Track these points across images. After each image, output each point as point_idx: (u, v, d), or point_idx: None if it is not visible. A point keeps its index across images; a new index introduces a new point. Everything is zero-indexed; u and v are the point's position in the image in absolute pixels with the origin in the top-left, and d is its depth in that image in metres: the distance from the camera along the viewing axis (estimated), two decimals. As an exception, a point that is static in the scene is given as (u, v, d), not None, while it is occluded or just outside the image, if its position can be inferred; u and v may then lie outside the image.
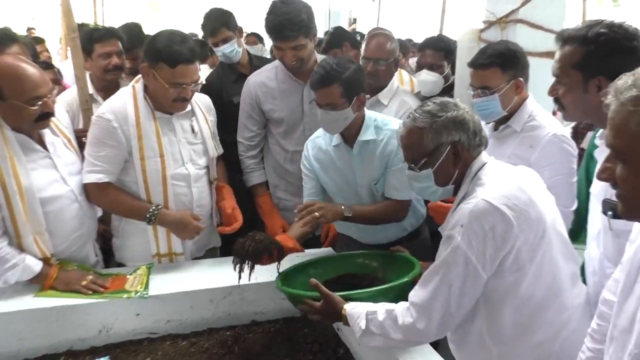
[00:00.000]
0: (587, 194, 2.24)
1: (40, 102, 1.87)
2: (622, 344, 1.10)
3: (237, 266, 1.86)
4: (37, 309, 1.84)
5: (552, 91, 1.61)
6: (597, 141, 1.58)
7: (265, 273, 2.08)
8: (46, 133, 2.03)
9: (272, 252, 1.90)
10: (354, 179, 2.21)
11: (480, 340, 1.56)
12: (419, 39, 4.83)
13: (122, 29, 3.06)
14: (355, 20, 10.88)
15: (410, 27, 5.87)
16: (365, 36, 2.97)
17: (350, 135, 2.15)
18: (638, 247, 1.14)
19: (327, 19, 8.73)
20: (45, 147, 2.01)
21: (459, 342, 1.65)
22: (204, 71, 3.97)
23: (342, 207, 2.11)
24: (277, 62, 2.60)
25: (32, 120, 1.89)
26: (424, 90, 2.84)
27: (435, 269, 1.48)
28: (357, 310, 1.58)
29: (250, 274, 1.86)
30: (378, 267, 2.01)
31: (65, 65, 4.10)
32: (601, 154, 1.55)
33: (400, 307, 1.54)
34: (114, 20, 6.37)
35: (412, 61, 4.17)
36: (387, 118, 2.22)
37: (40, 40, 5.81)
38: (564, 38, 1.52)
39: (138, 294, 1.94)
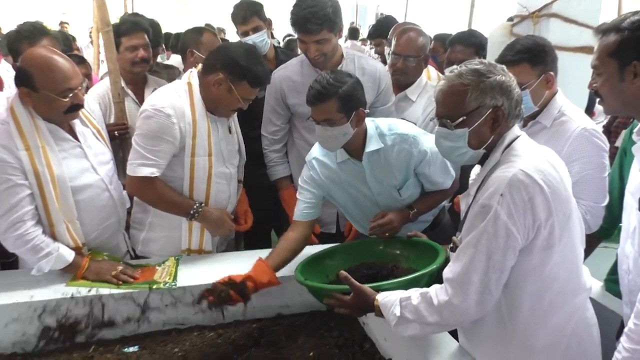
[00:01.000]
0: (620, 192, 2.20)
1: (71, 94, 1.90)
2: None
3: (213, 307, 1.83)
4: (70, 298, 1.87)
5: (592, 84, 1.58)
6: (635, 137, 1.54)
7: (290, 266, 2.09)
8: (76, 123, 2.07)
9: (244, 294, 1.83)
10: (369, 190, 2.16)
11: (498, 314, 1.50)
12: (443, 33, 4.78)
13: None
14: (382, 14, 10.83)
15: (439, 22, 5.80)
16: (395, 31, 2.94)
17: (355, 150, 2.08)
18: None
19: (354, 13, 8.69)
20: (76, 137, 2.05)
21: (476, 321, 1.58)
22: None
23: (410, 212, 2.11)
24: (302, 57, 2.60)
25: (62, 112, 1.93)
26: None
27: (471, 241, 1.41)
28: (389, 299, 1.53)
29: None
30: (399, 255, 1.98)
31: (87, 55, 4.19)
32: (639, 150, 1.52)
33: (434, 288, 1.48)
34: (144, 13, 6.44)
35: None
36: (389, 122, 2.15)
37: (70, 38, 5.91)
38: (602, 30, 1.49)
39: (167, 285, 1.97)
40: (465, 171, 2.04)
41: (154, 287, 1.96)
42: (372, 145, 2.06)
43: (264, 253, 2.30)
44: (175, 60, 3.89)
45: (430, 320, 1.45)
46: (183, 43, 2.96)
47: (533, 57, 2.03)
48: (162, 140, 2.08)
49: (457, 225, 2.37)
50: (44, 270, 1.94)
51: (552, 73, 2.04)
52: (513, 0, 2.71)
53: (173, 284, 1.98)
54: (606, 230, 2.10)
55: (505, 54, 2.08)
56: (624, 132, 3.09)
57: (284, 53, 3.07)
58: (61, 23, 10.06)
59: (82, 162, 2.04)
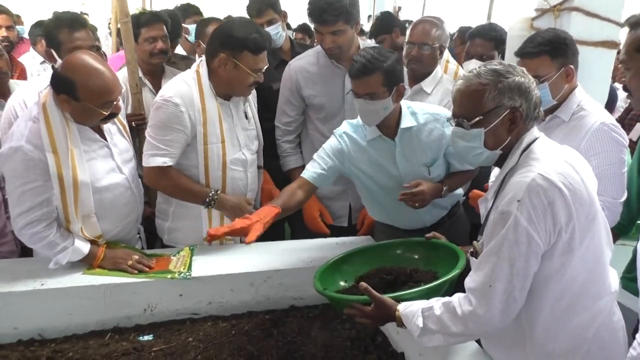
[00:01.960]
0: (639, 188, 2.17)
1: (112, 106, 1.91)
2: None
3: None
4: (86, 286, 1.91)
5: (621, 78, 1.55)
6: None
7: (304, 258, 2.10)
8: None
9: None
10: (396, 170, 2.17)
11: (516, 321, 1.47)
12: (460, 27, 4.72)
13: None
14: (400, 8, 10.73)
15: (458, 15, 5.74)
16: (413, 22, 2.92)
17: (389, 127, 2.11)
18: None
19: (371, 6, 8.63)
20: (103, 136, 2.06)
21: None
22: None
23: (443, 187, 2.12)
24: (318, 48, 2.59)
25: (99, 120, 1.94)
26: None
27: (493, 249, 1.39)
28: (411, 310, 1.49)
29: None
30: (418, 258, 1.93)
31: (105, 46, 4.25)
32: None
33: (457, 297, 1.45)
34: (162, 5, 6.46)
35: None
36: (420, 104, 2.21)
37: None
38: (631, 23, 1.46)
39: (181, 275, 1.99)
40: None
41: (169, 276, 1.98)
42: (406, 122, 2.09)
43: (277, 245, 2.33)
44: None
45: (454, 331, 1.42)
46: (195, 35, 2.97)
47: (553, 49, 2.00)
48: (172, 129, 2.10)
49: (471, 218, 2.36)
50: (61, 263, 1.96)
51: (572, 67, 2.01)
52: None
53: (188, 274, 2.00)
54: (624, 226, 2.08)
55: (525, 46, 2.06)
56: (639, 125, 3.04)
57: (299, 45, 3.07)
58: (81, 14, 10.11)
59: (109, 163, 2.06)
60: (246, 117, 2.30)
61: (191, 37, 3.51)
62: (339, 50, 2.44)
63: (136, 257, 2.04)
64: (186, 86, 2.14)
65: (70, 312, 1.90)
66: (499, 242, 1.38)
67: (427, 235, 1.91)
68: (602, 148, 1.93)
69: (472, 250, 1.55)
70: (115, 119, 2.12)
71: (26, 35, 4.84)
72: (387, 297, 1.55)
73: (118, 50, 4.20)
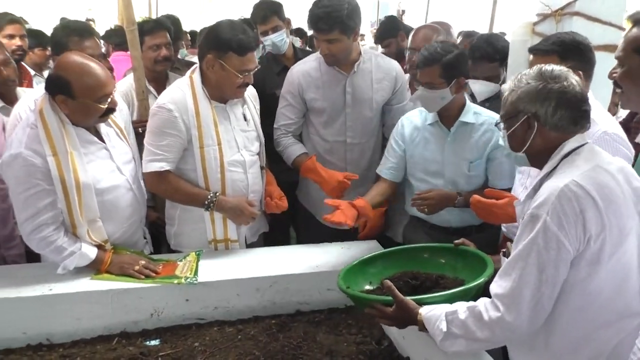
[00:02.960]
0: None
1: (108, 100, 1.95)
2: None
3: None
4: (93, 292, 1.93)
5: (612, 73, 1.55)
6: None
7: (310, 263, 2.12)
8: (101, 125, 2.11)
9: None
10: (441, 158, 2.30)
11: None
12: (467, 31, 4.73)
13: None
14: (404, 11, 10.77)
15: (461, 20, 5.75)
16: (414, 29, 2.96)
17: (448, 117, 2.28)
18: None
19: (375, 10, 8.67)
20: (101, 139, 2.09)
21: None
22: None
23: (457, 197, 2.22)
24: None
25: (97, 116, 1.98)
26: (479, 97, 2.74)
27: (521, 255, 1.36)
28: (434, 313, 1.47)
29: None
30: (445, 264, 1.90)
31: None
32: None
33: (482, 303, 1.42)
34: (168, 9, 6.52)
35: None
36: (482, 108, 2.34)
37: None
38: (636, 19, 1.46)
39: (188, 280, 2.01)
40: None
41: (175, 281, 2.00)
42: (466, 117, 2.26)
43: (283, 250, 2.35)
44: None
45: (479, 336, 1.39)
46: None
47: (564, 50, 1.96)
48: (166, 134, 2.14)
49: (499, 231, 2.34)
50: (69, 268, 1.99)
51: (581, 72, 1.97)
52: (535, -2, 2.67)
53: (194, 279, 2.01)
54: None
55: (539, 43, 2.06)
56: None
57: (302, 52, 3.09)
58: (87, 20, 10.19)
59: (108, 164, 2.09)
60: (245, 118, 2.31)
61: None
62: (334, 57, 2.47)
63: (143, 262, 2.06)
64: (180, 92, 2.18)
65: (78, 317, 1.92)
66: (527, 247, 1.36)
67: (456, 241, 1.89)
68: None
69: (504, 250, 1.55)
70: (112, 123, 2.15)
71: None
72: (409, 299, 1.54)
73: (109, 55, 4.24)
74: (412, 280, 1.80)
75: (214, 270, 2.10)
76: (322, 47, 2.45)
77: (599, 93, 2.10)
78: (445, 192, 2.24)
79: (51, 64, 2.43)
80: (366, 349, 1.85)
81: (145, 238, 2.37)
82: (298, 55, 3.00)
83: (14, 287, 1.91)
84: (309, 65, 2.61)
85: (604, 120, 1.96)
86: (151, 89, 2.86)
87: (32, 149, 1.89)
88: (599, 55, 2.37)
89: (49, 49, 3.36)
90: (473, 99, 2.67)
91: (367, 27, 9.10)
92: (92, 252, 2.01)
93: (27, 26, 6.68)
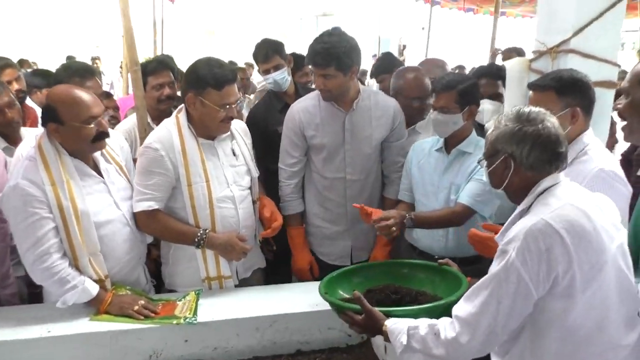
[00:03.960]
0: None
1: (95, 122, 1.99)
2: None
3: None
4: (92, 333, 1.92)
5: (617, 105, 1.59)
6: None
7: (310, 302, 2.10)
8: (100, 160, 2.14)
9: None
10: (438, 182, 2.41)
11: (520, 359, 1.52)
12: (468, 66, 4.81)
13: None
14: (405, 46, 10.94)
15: (460, 55, 5.83)
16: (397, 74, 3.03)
17: (451, 144, 2.39)
18: None
19: (377, 45, 8.81)
20: (99, 173, 2.12)
21: (501, 356, 1.60)
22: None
23: (407, 217, 2.30)
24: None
25: (89, 141, 2.01)
26: (485, 118, 2.81)
27: (484, 283, 1.46)
28: (398, 326, 1.57)
29: None
30: (424, 279, 1.99)
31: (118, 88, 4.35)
32: None
33: (443, 322, 1.52)
34: (172, 48, 6.65)
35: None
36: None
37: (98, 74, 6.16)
38: None
39: (187, 320, 2.00)
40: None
41: (174, 322, 1.98)
42: (466, 147, 2.37)
43: (282, 288, 2.34)
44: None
45: (435, 353, 1.49)
46: None
47: (561, 87, 1.99)
48: (153, 173, 2.16)
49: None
50: (68, 303, 1.98)
51: (578, 109, 1.99)
52: (532, 36, 2.71)
53: (193, 319, 2.00)
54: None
55: (538, 80, 2.10)
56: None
57: (304, 89, 3.13)
58: (93, 59, 10.40)
59: (105, 198, 2.11)
60: (234, 153, 2.33)
61: None
62: (329, 93, 2.50)
63: (142, 302, 2.05)
64: (166, 131, 2.21)
65: (77, 359, 1.90)
66: (490, 278, 1.45)
67: (440, 261, 1.98)
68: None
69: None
70: (112, 160, 2.18)
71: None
72: (377, 310, 1.65)
73: (128, 93, 4.32)
74: (392, 294, 1.90)
75: (214, 309, 2.09)
76: (318, 82, 2.49)
77: (595, 127, 2.11)
78: (399, 215, 2.29)
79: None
80: (367, 390, 1.82)
81: (146, 278, 2.37)
82: (299, 92, 3.04)
83: (12, 329, 1.91)
84: (308, 103, 2.65)
85: (601, 157, 1.96)
86: (154, 126, 2.88)
87: (28, 179, 1.93)
88: (595, 92, 2.40)
89: None
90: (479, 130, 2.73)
91: (370, 61, 9.22)
92: (94, 289, 2.01)
93: (34, 66, 6.83)
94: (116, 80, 9.31)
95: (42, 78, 3.64)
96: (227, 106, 2.18)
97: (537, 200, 1.51)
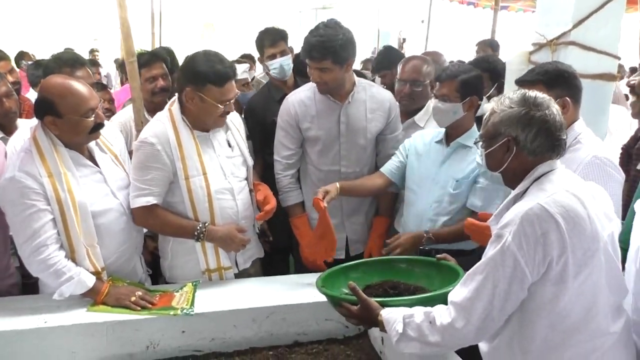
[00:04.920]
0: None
1: (93, 114, 1.98)
2: None
3: None
4: (89, 324, 1.91)
5: (631, 81, 1.59)
6: None
7: (307, 293, 2.10)
8: (95, 150, 2.14)
9: None
10: (434, 176, 2.37)
11: (509, 345, 1.53)
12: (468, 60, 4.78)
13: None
14: (404, 40, 10.90)
15: (460, 48, 5.82)
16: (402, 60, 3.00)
17: (452, 135, 2.37)
18: None
19: (376, 39, 8.78)
20: (95, 163, 2.11)
21: (489, 341, 1.60)
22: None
23: (424, 237, 2.28)
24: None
25: (87, 132, 2.00)
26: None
27: (479, 268, 1.46)
28: (393, 315, 1.56)
29: None
30: (421, 274, 1.99)
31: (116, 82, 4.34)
32: None
33: (438, 309, 1.51)
34: (171, 40, 6.63)
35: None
36: None
37: (95, 64, 6.15)
38: None
39: (184, 311, 1.99)
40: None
41: (172, 313, 1.98)
42: (466, 140, 2.33)
43: (280, 279, 2.34)
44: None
45: (431, 340, 1.48)
46: None
47: (549, 79, 2.02)
48: (150, 168, 2.15)
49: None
50: (65, 295, 1.98)
51: (568, 99, 2.02)
52: (532, 28, 2.71)
53: (190, 310, 2.00)
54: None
55: (525, 75, 2.11)
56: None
57: (302, 81, 3.12)
58: (91, 51, 10.36)
59: (102, 187, 2.10)
60: (229, 145, 2.32)
61: None
62: (325, 86, 2.49)
63: (139, 293, 2.05)
64: (160, 125, 2.19)
65: (73, 350, 1.90)
66: (486, 262, 1.45)
67: (438, 255, 1.97)
68: (593, 181, 1.92)
69: None
70: (107, 150, 2.18)
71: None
72: (372, 300, 1.64)
73: (122, 84, 4.30)
74: (390, 290, 1.90)
75: (211, 300, 2.08)
76: (314, 75, 2.47)
77: (594, 120, 2.12)
78: (412, 235, 2.30)
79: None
80: (364, 381, 1.82)
81: (143, 269, 2.36)
82: (298, 84, 3.03)
83: (8, 319, 1.90)
84: (303, 95, 2.63)
85: (594, 144, 2.01)
86: (150, 119, 2.88)
87: (24, 171, 1.92)
88: (594, 84, 2.41)
89: None
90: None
91: (369, 54, 9.20)
92: (90, 280, 2.00)
93: (34, 58, 6.81)
94: (114, 76, 9.28)
95: (40, 70, 3.63)
96: (227, 102, 2.16)
97: (532, 185, 1.51)
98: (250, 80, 4.19)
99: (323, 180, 2.62)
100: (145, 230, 2.37)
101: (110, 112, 3.27)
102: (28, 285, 2.30)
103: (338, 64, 2.41)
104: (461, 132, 2.35)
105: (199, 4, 13.49)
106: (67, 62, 2.51)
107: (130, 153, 2.49)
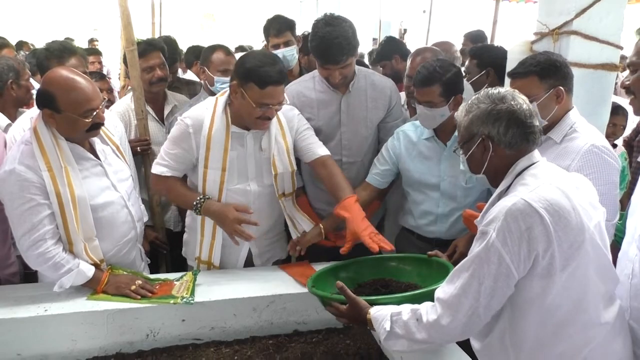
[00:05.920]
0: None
1: (93, 114, 1.95)
2: None
3: None
4: (89, 312, 1.92)
5: (625, 82, 1.60)
6: None
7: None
8: (96, 142, 2.12)
9: None
10: (438, 172, 2.36)
11: (501, 342, 1.53)
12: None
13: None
14: (405, 30, 10.84)
15: (462, 38, 5.78)
16: (411, 54, 2.97)
17: (444, 132, 2.35)
18: None
19: (377, 29, 8.72)
20: (96, 156, 2.10)
21: (481, 339, 1.61)
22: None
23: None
24: (315, 72, 2.59)
25: (84, 131, 1.98)
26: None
27: (465, 265, 1.46)
28: (381, 313, 1.57)
29: None
30: (412, 271, 2.00)
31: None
32: None
33: (425, 306, 1.52)
34: (171, 31, 6.60)
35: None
36: None
37: (96, 52, 6.09)
38: None
39: (184, 300, 1.99)
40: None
41: (172, 302, 1.98)
42: None
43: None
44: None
45: (418, 337, 1.49)
46: (201, 60, 3.02)
47: (542, 70, 2.03)
48: (177, 145, 2.20)
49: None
50: (65, 286, 1.98)
51: (562, 88, 2.02)
52: (534, 17, 2.69)
53: (190, 299, 2.00)
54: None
55: (516, 67, 2.10)
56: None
57: (307, 70, 3.10)
58: (91, 40, 10.30)
59: (103, 181, 2.09)
60: (261, 148, 2.25)
61: None
62: (345, 80, 2.47)
63: (139, 282, 2.05)
64: (203, 110, 2.21)
65: (74, 337, 1.90)
66: (471, 259, 1.45)
67: (430, 252, 1.98)
68: (592, 169, 1.92)
69: None
70: (109, 141, 2.17)
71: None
72: (360, 299, 1.65)
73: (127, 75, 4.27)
74: (382, 288, 1.92)
75: (211, 290, 2.08)
76: (335, 75, 2.41)
77: (596, 110, 2.10)
78: (464, 238, 2.22)
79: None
80: (363, 371, 1.83)
81: (142, 259, 2.37)
82: (303, 73, 3.01)
83: (9, 307, 1.90)
84: (303, 86, 2.61)
85: (590, 133, 2.02)
86: (149, 109, 2.87)
87: (25, 164, 1.91)
88: (596, 74, 2.39)
89: None
90: None
91: (370, 45, 9.15)
92: (89, 271, 2.00)
93: (32, 48, 6.77)
94: (116, 66, 9.23)
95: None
96: (266, 106, 2.08)
97: (515, 181, 1.51)
98: None
99: None
100: (145, 219, 2.37)
101: (109, 102, 3.26)
102: (29, 274, 2.31)
103: (354, 56, 2.41)
104: (453, 127, 2.22)
105: (199, -5, 13.41)
106: (54, 52, 2.47)
107: (130, 142, 2.49)
